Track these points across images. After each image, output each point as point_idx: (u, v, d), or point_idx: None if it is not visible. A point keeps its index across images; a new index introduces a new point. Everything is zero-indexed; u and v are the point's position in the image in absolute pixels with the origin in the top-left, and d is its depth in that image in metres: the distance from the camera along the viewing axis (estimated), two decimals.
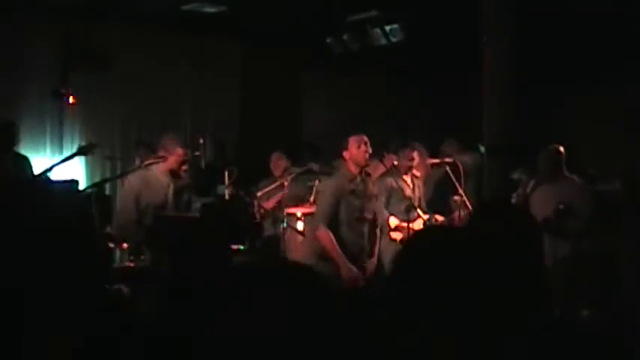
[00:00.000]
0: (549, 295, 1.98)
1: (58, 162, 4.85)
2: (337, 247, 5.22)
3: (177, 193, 5.63)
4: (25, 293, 1.87)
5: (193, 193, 5.92)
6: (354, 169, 5.46)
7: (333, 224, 5.34)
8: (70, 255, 2.05)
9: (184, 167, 5.62)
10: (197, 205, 6.05)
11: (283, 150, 7.53)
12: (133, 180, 5.54)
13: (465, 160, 6.64)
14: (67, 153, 7.72)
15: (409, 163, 6.18)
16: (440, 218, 6.15)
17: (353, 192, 5.42)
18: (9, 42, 7.74)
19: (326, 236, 5.27)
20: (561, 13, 7.42)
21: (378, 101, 10.08)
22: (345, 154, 5.46)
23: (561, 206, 5.80)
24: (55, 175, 5.82)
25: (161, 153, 5.51)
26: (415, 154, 6.21)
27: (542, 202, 5.94)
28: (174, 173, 5.53)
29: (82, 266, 2.11)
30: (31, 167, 6.59)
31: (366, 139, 5.47)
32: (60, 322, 1.89)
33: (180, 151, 5.49)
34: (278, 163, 7.36)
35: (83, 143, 6.29)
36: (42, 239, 1.93)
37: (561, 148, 6.26)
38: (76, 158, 8.01)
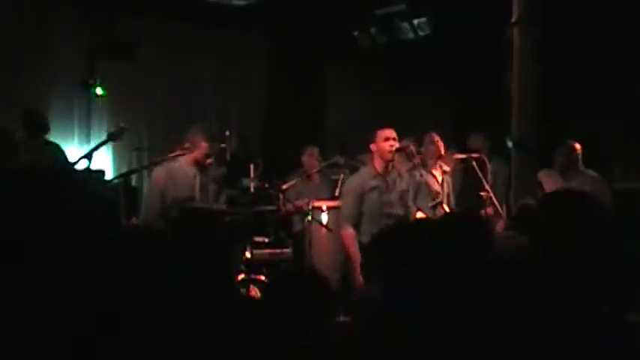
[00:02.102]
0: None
1: (92, 149, 4.83)
2: (357, 251, 5.26)
3: (205, 186, 5.62)
4: (49, 280, 1.87)
5: (222, 185, 5.90)
6: (378, 164, 5.46)
7: (357, 220, 5.38)
8: (95, 244, 2.04)
9: (209, 160, 5.60)
10: (223, 197, 6.05)
11: (313, 145, 7.45)
12: (159, 174, 5.52)
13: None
14: (94, 143, 7.78)
15: (437, 146, 6.11)
16: None
17: (375, 188, 5.42)
18: (37, 32, 7.80)
19: (349, 237, 5.35)
20: (593, 9, 7.31)
21: (404, 95, 10.02)
22: (372, 146, 5.47)
23: None
24: (81, 165, 5.84)
25: (187, 145, 5.52)
26: (436, 137, 6.18)
27: None
28: (199, 165, 5.53)
29: (108, 255, 2.11)
30: (62, 154, 6.55)
31: (393, 134, 5.47)
32: (84, 312, 1.89)
33: (204, 144, 5.49)
34: (309, 160, 7.23)
35: (113, 129, 6.27)
36: (66, 228, 1.92)
37: (577, 145, 6.37)
38: (103, 148, 8.13)
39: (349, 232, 5.35)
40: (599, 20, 7.49)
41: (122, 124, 5.40)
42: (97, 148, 4.89)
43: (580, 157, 6.37)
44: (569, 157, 6.36)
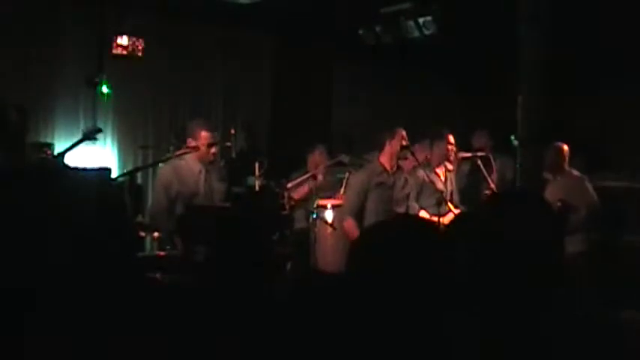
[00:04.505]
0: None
1: (66, 149, 4.76)
2: None
3: (210, 182, 5.61)
4: (51, 283, 1.87)
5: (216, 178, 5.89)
6: (387, 162, 5.48)
7: (360, 216, 5.39)
8: (100, 243, 2.04)
9: (213, 150, 5.51)
10: (220, 186, 6.01)
11: (322, 144, 7.41)
12: (164, 170, 5.56)
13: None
14: (100, 141, 7.80)
15: (449, 147, 6.11)
16: None
17: (380, 184, 5.44)
18: (44, 30, 7.81)
19: (352, 227, 5.35)
20: (601, 6, 7.29)
21: (409, 93, 10.02)
22: (387, 142, 5.48)
23: (559, 203, 5.84)
24: (87, 163, 5.87)
25: (189, 140, 5.50)
26: (451, 138, 6.17)
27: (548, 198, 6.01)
28: (204, 159, 5.50)
29: (112, 255, 2.12)
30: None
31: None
32: (88, 314, 1.89)
33: (204, 134, 5.43)
34: (319, 159, 7.18)
35: (86, 129, 6.18)
36: (68, 228, 1.92)
37: (565, 146, 6.46)
38: (108, 146, 8.15)
39: (350, 222, 5.36)
40: (604, 19, 7.47)
41: (120, 128, 5.30)
42: (72, 147, 4.80)
43: (567, 157, 6.46)
44: (556, 157, 6.46)
